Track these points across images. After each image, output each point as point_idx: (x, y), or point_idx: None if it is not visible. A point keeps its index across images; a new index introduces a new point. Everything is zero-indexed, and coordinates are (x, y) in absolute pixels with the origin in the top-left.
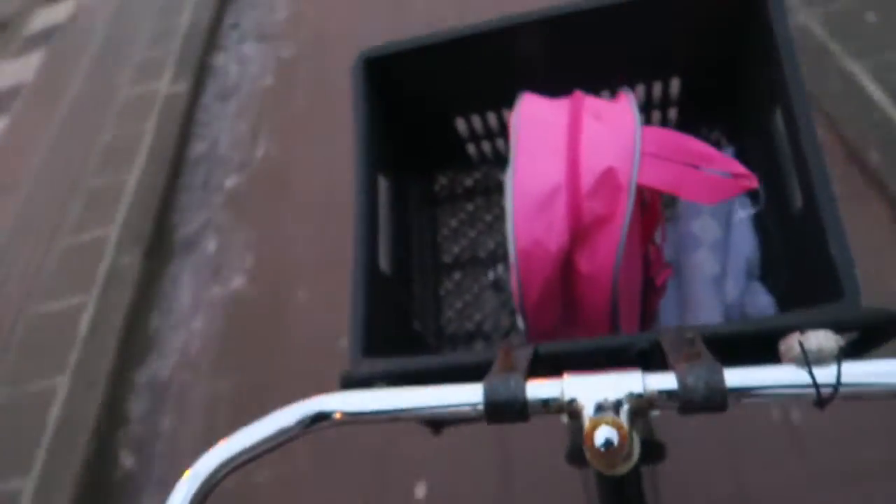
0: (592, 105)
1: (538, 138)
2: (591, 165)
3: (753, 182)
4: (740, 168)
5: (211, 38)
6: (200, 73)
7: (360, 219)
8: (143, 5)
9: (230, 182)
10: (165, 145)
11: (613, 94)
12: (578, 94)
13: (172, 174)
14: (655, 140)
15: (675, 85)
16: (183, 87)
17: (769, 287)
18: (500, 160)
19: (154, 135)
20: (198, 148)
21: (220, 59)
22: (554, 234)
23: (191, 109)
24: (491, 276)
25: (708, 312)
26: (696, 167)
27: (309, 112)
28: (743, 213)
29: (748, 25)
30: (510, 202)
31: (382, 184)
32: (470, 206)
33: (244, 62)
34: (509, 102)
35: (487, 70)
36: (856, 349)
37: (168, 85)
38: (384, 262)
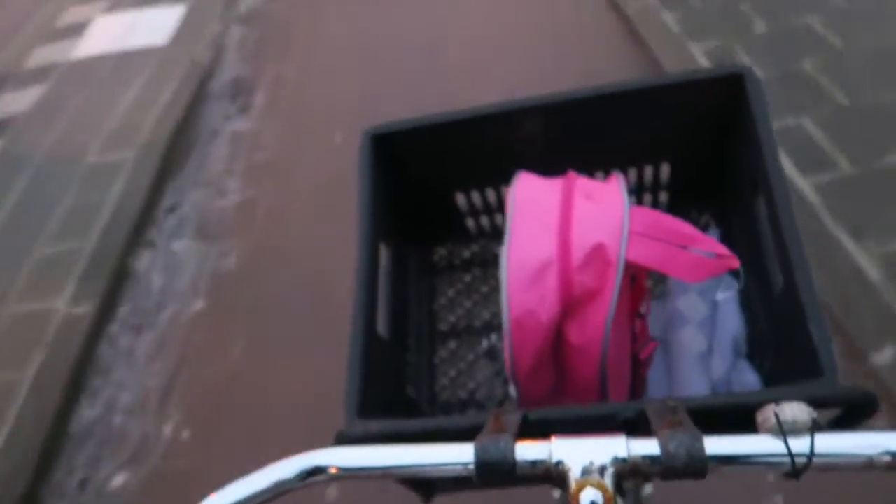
0: (584, 185)
1: (532, 215)
2: (582, 241)
3: (735, 262)
4: (723, 249)
5: (139, 227)
6: (115, 285)
7: (361, 285)
8: (70, 167)
9: (117, 482)
10: (44, 408)
11: (607, 176)
12: (572, 174)
13: (41, 463)
14: (643, 220)
15: (665, 169)
16: (87, 307)
17: (756, 366)
18: (498, 234)
19: (31, 388)
20: (87, 413)
21: (143, 262)
22: (546, 306)
23: (91, 344)
24: (485, 344)
25: (695, 388)
26: (681, 247)
27: (243, 371)
28: (722, 295)
29: (734, 117)
30: (504, 274)
31: (384, 252)
32: (467, 277)
33: (173, 270)
34: (508, 180)
35: (488, 150)
36: (837, 427)
37: (68, 302)
38: (382, 327)
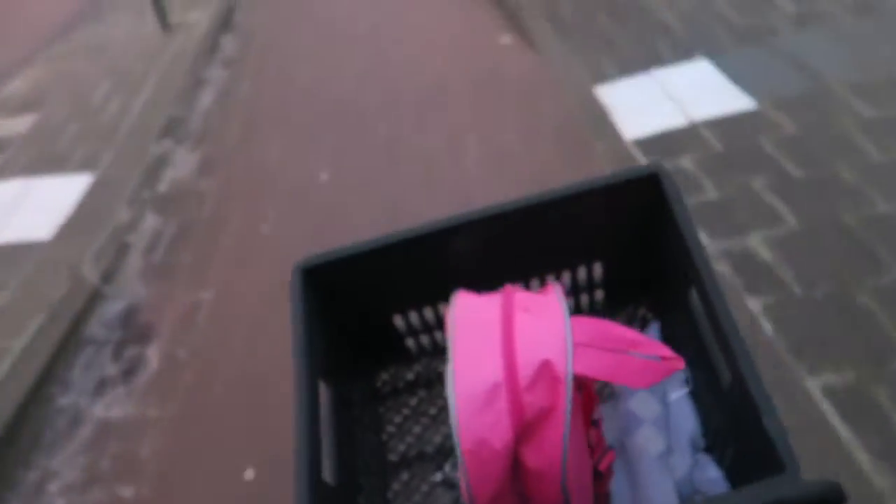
0: (522, 299)
1: (474, 337)
2: (528, 359)
3: (680, 364)
4: (667, 351)
5: None
6: None
7: (302, 432)
8: None
9: None
10: None
11: (543, 281)
12: (509, 288)
13: None
14: (585, 330)
15: (598, 269)
16: None
17: (716, 458)
18: (439, 351)
19: None
20: None
21: None
22: (498, 432)
23: None
24: (439, 477)
25: (659, 492)
26: (625, 353)
27: None
28: (675, 395)
29: (657, 218)
30: (452, 403)
31: (324, 391)
32: (413, 401)
33: None
34: (445, 296)
35: (422, 269)
36: None
37: None
38: (328, 474)
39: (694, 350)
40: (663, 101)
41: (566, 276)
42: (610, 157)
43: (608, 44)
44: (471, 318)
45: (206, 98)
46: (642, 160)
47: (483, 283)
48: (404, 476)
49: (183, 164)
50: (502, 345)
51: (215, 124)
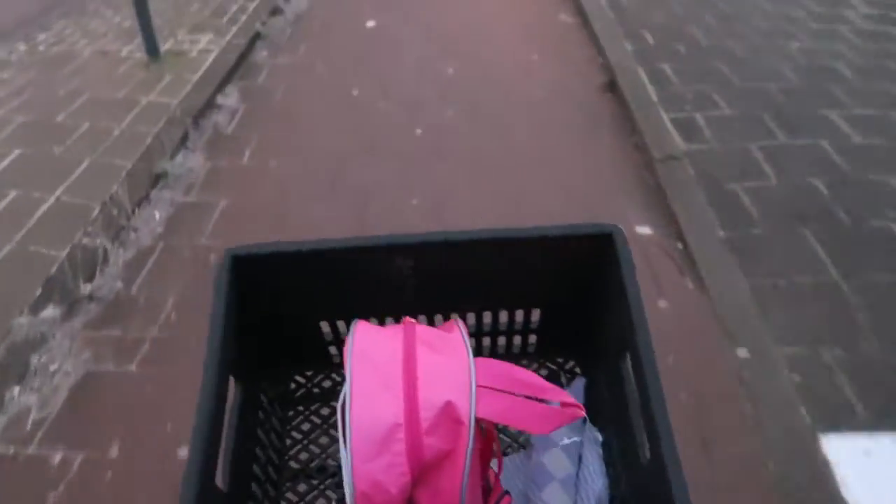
0: (425, 334)
1: (373, 373)
2: (430, 399)
3: (580, 412)
4: (568, 398)
5: None
6: None
7: (201, 431)
8: None
9: None
10: None
11: (479, 316)
12: (409, 321)
13: None
14: (489, 372)
15: (535, 315)
16: None
17: None
18: None
19: None
20: None
21: None
22: (394, 475)
23: None
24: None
25: None
26: (527, 398)
27: None
28: (567, 440)
29: (603, 274)
30: (348, 444)
31: (233, 388)
32: (325, 411)
33: None
34: (377, 311)
35: (358, 282)
36: None
37: None
38: (221, 478)
39: (616, 415)
40: None
41: (503, 315)
42: None
43: (833, 320)
44: (370, 353)
45: (151, 220)
46: None
47: (418, 306)
48: (301, 487)
49: (58, 368)
50: (403, 382)
51: (138, 294)
